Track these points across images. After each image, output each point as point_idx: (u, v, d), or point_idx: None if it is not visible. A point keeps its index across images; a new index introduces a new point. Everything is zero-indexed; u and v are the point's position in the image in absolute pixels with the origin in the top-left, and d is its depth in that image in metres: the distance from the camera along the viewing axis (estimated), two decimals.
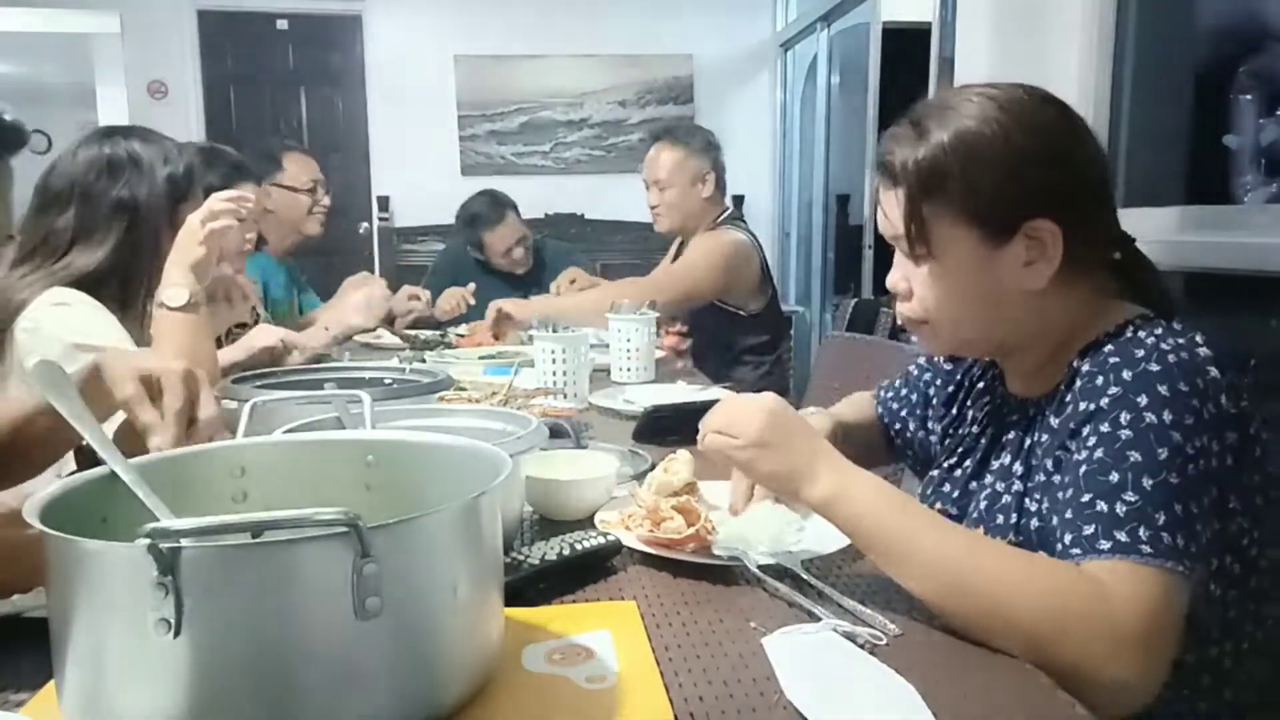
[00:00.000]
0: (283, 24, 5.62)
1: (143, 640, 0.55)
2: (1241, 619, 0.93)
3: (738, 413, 0.96)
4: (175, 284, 1.43)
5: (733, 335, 2.83)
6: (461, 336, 2.75)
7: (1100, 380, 0.90)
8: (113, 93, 5.35)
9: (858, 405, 1.35)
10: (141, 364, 0.91)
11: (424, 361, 2.22)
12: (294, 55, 5.67)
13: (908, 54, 3.48)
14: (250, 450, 0.83)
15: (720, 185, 2.84)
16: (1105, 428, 0.87)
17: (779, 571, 0.93)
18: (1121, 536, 0.82)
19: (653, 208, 2.87)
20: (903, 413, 1.28)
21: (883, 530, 0.87)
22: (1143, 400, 0.86)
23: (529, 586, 0.88)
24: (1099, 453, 0.86)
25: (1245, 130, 1.99)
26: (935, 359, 1.23)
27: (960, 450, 1.13)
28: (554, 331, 1.85)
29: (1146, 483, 0.83)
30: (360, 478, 0.83)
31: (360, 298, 2.48)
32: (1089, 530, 0.83)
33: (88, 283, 1.53)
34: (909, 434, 1.27)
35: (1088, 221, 0.97)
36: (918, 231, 0.96)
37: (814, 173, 5.27)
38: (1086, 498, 0.85)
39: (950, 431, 1.17)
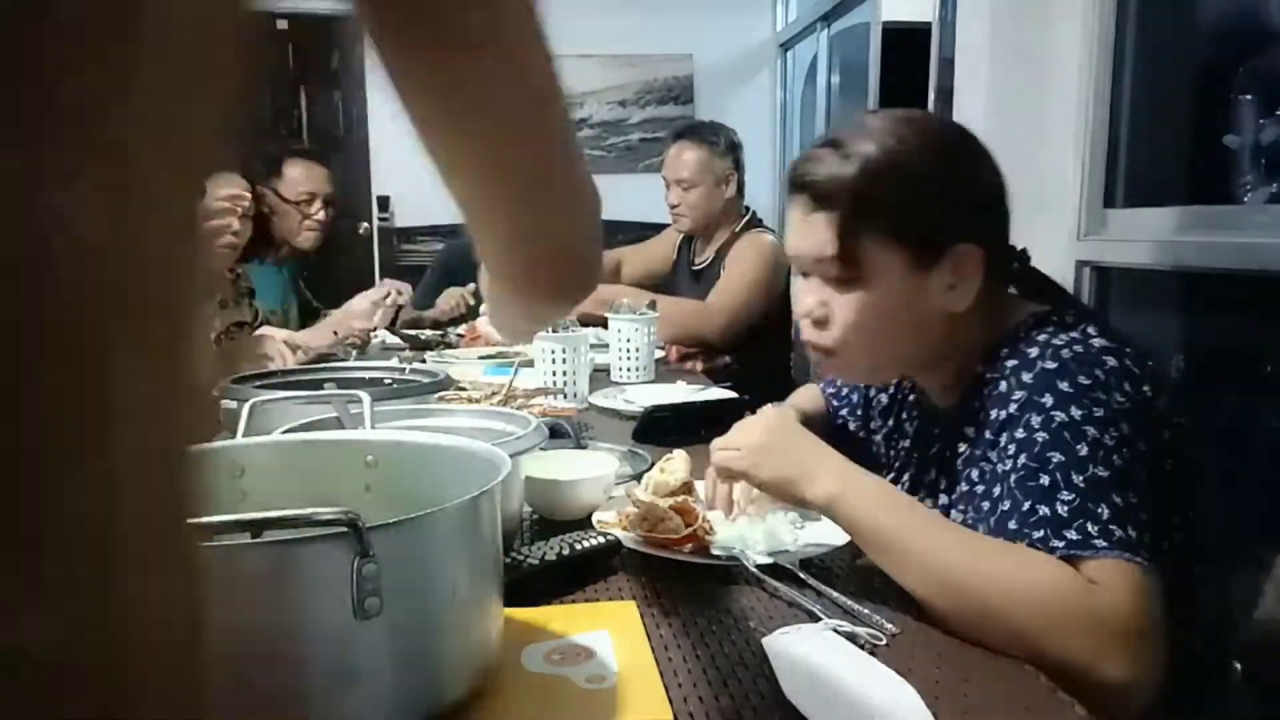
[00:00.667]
0: (283, 24, 5.62)
1: None
2: (1180, 590, 0.94)
3: (742, 428, 1.00)
4: None
5: (745, 338, 2.80)
6: (461, 336, 2.75)
7: (1004, 386, 0.92)
8: None
9: (810, 396, 1.37)
10: None
11: (424, 361, 2.22)
12: (294, 55, 5.67)
13: (908, 54, 3.48)
14: (250, 450, 0.83)
15: (741, 188, 2.80)
16: (1020, 433, 0.88)
17: (778, 571, 0.93)
18: (1071, 534, 0.82)
19: (673, 207, 2.80)
20: (843, 411, 1.30)
21: (882, 529, 0.88)
22: (1048, 400, 0.88)
23: (528, 586, 0.88)
24: (1022, 459, 0.87)
25: (1245, 130, 1.99)
26: None
27: (898, 465, 1.15)
28: (554, 331, 1.85)
29: (1077, 479, 0.84)
30: (360, 478, 0.83)
31: (366, 303, 2.49)
32: (1039, 534, 0.83)
33: None
34: (849, 431, 1.29)
35: (1001, 241, 1.00)
36: (849, 254, 0.95)
37: None
38: (1026, 505, 0.85)
39: (891, 442, 1.19)
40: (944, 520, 0.91)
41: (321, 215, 2.95)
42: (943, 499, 1.02)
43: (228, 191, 2.13)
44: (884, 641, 0.80)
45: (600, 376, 2.03)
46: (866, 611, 0.84)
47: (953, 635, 0.81)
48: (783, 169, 5.63)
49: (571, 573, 0.92)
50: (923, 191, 0.95)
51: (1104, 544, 0.81)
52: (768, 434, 0.96)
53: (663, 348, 2.49)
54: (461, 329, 2.84)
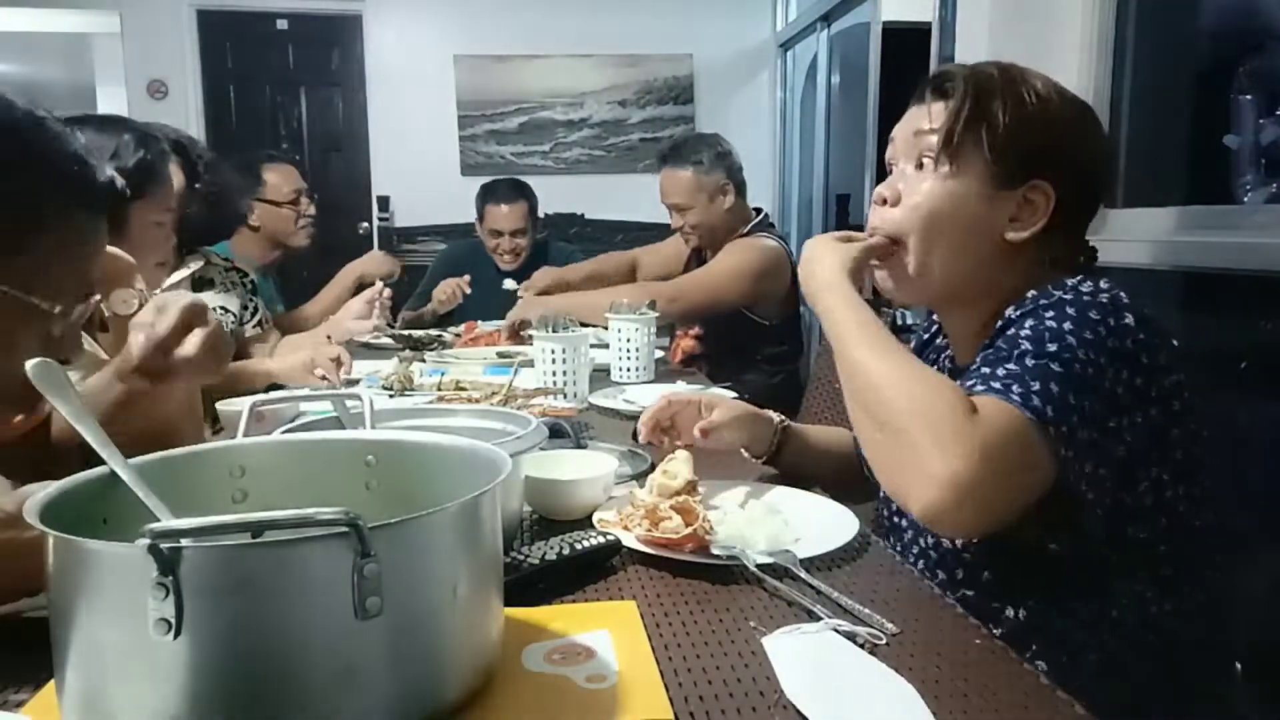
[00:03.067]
0: (283, 24, 5.62)
1: (143, 640, 0.55)
2: (1178, 579, 0.97)
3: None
4: (125, 290, 1.39)
5: (752, 343, 2.80)
6: (457, 336, 2.75)
7: (1019, 313, 0.97)
8: (113, 92, 5.35)
9: (834, 434, 1.40)
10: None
11: (423, 361, 2.23)
12: (294, 55, 5.67)
13: (908, 54, 3.48)
14: (250, 450, 0.83)
15: (741, 191, 2.79)
16: (1010, 332, 0.95)
17: (778, 571, 0.93)
18: (995, 385, 0.89)
19: (678, 229, 2.83)
20: None
21: (839, 337, 1.02)
22: (1049, 314, 0.94)
23: (529, 586, 0.88)
24: (1000, 347, 0.94)
25: (1245, 130, 1.99)
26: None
27: None
28: (554, 331, 1.85)
29: (1029, 361, 0.90)
30: (360, 478, 0.83)
31: (361, 303, 2.49)
32: (969, 382, 0.92)
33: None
34: None
35: (1077, 211, 1.05)
36: (951, 138, 1.02)
37: (814, 173, 5.26)
38: (976, 368, 0.93)
39: None
40: (889, 341, 0.99)
41: (312, 210, 2.97)
42: None
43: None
44: (884, 641, 0.80)
45: (600, 376, 2.03)
46: (867, 611, 0.84)
47: (952, 634, 0.81)
48: (783, 169, 5.64)
49: (571, 573, 0.93)
50: (1032, 123, 1.01)
51: (1017, 398, 0.87)
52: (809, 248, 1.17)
53: (664, 348, 2.49)
54: (459, 328, 2.84)
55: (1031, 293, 0.99)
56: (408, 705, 0.62)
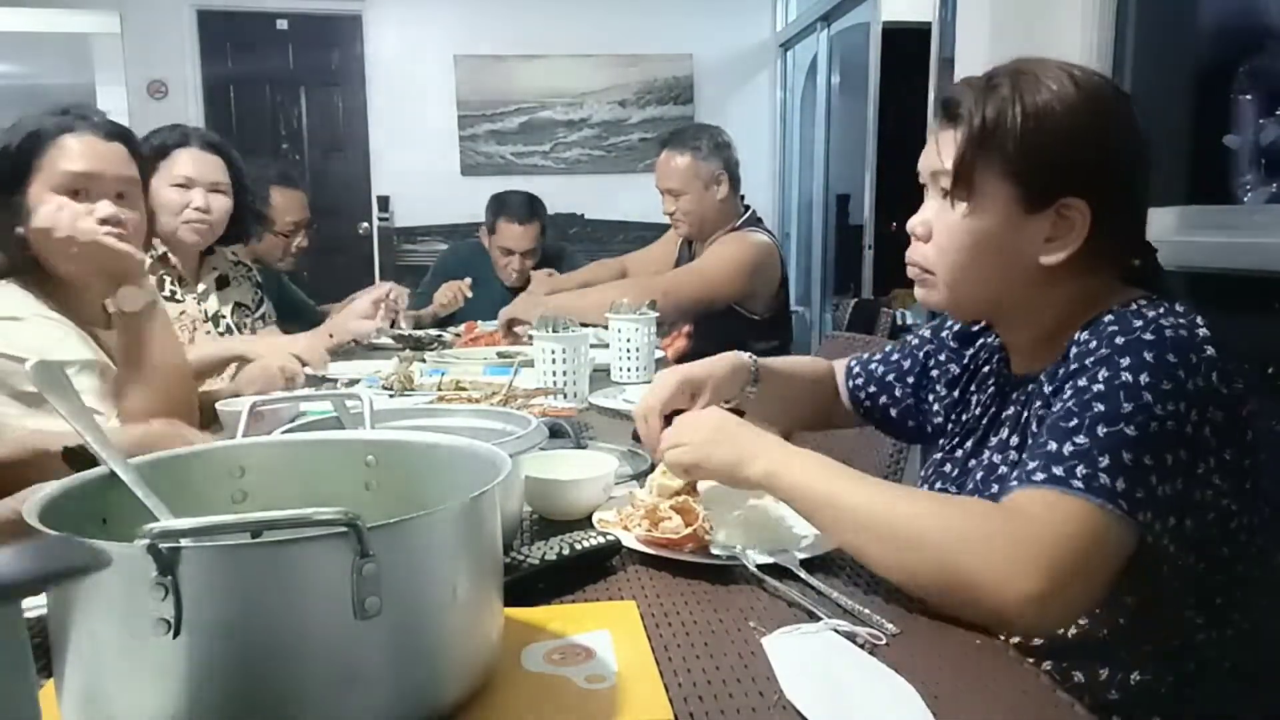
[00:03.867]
0: (283, 24, 5.62)
1: (142, 640, 0.55)
2: (1228, 607, 0.94)
3: (687, 425, 1.06)
4: (128, 287, 1.39)
5: (741, 339, 2.80)
6: (458, 335, 2.75)
7: (1094, 344, 0.92)
8: (113, 92, 5.35)
9: (797, 362, 1.38)
10: None
11: (423, 361, 2.23)
12: (294, 55, 5.67)
13: (908, 54, 3.49)
14: (250, 450, 0.83)
15: (735, 184, 2.80)
16: (1082, 382, 0.90)
17: (778, 571, 0.93)
18: (1058, 471, 0.84)
19: (669, 214, 2.84)
20: (889, 377, 1.29)
21: (815, 495, 0.92)
22: (1125, 361, 0.88)
23: (528, 586, 0.88)
24: (1071, 403, 0.89)
25: (1245, 130, 2.00)
26: (945, 335, 1.23)
27: (961, 433, 1.14)
28: (554, 331, 1.85)
29: (1100, 430, 0.85)
30: (360, 478, 0.83)
31: (366, 302, 2.49)
32: (1031, 465, 0.86)
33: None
34: (894, 397, 1.28)
35: (1119, 218, 0.99)
36: (965, 172, 0.98)
37: (814, 173, 5.27)
38: (1043, 439, 0.88)
39: (953, 415, 1.19)
40: (872, 479, 0.94)
41: (304, 243, 2.96)
42: (1013, 455, 1.01)
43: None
44: (884, 641, 0.79)
45: (600, 376, 2.03)
46: (866, 611, 0.83)
47: (952, 635, 0.81)
48: (783, 169, 5.64)
49: (571, 573, 0.92)
50: (1050, 137, 0.95)
51: (1080, 486, 0.83)
52: (711, 428, 1.03)
53: (663, 348, 2.49)
54: (459, 328, 2.84)
55: (1109, 317, 0.93)
56: (407, 705, 0.62)
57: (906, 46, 3.56)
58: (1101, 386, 0.87)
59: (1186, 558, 0.90)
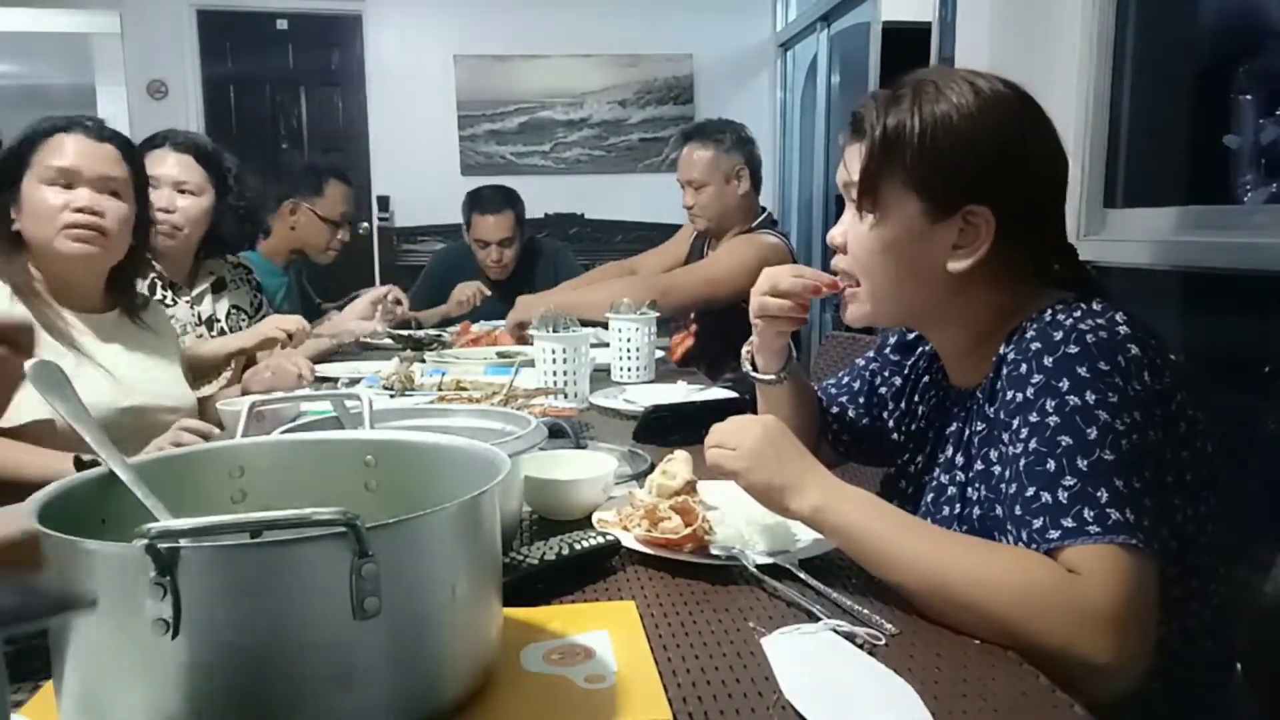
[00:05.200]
0: (283, 24, 5.62)
1: (141, 640, 0.55)
2: (1186, 598, 0.95)
3: (737, 427, 0.99)
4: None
5: (749, 338, 2.79)
6: (457, 335, 2.75)
7: (1024, 368, 0.92)
8: (113, 92, 5.35)
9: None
10: None
11: (423, 361, 2.23)
12: (294, 55, 5.67)
13: (908, 54, 3.48)
14: (249, 450, 0.83)
15: (756, 183, 2.80)
16: (1034, 417, 0.89)
17: (778, 571, 0.93)
18: (1068, 522, 0.83)
19: (688, 208, 2.83)
20: (842, 398, 1.30)
21: (865, 537, 0.89)
22: (1064, 384, 0.88)
23: (528, 586, 0.88)
24: (1033, 444, 0.88)
25: (1245, 130, 1.99)
26: (887, 351, 1.25)
27: (913, 445, 1.15)
28: (554, 331, 1.85)
29: (1081, 464, 0.85)
30: (359, 478, 0.83)
31: (365, 303, 2.50)
32: (1038, 524, 0.85)
33: None
34: (847, 420, 1.29)
35: (1028, 221, 0.99)
36: (869, 186, 0.99)
37: (814, 173, 5.26)
38: (1030, 491, 0.87)
39: (903, 427, 1.20)
40: (923, 523, 0.92)
41: (346, 236, 3.01)
42: (959, 476, 1.02)
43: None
44: (884, 641, 0.79)
45: (600, 376, 2.03)
46: (866, 612, 0.84)
47: (952, 635, 0.81)
48: (783, 169, 5.64)
49: (571, 573, 0.92)
50: (949, 146, 0.96)
51: (1097, 529, 0.82)
52: (763, 440, 0.96)
53: (664, 348, 2.49)
54: (457, 328, 2.85)
55: (1030, 329, 0.94)
56: (406, 705, 0.62)
57: (906, 46, 3.55)
58: (1057, 418, 0.87)
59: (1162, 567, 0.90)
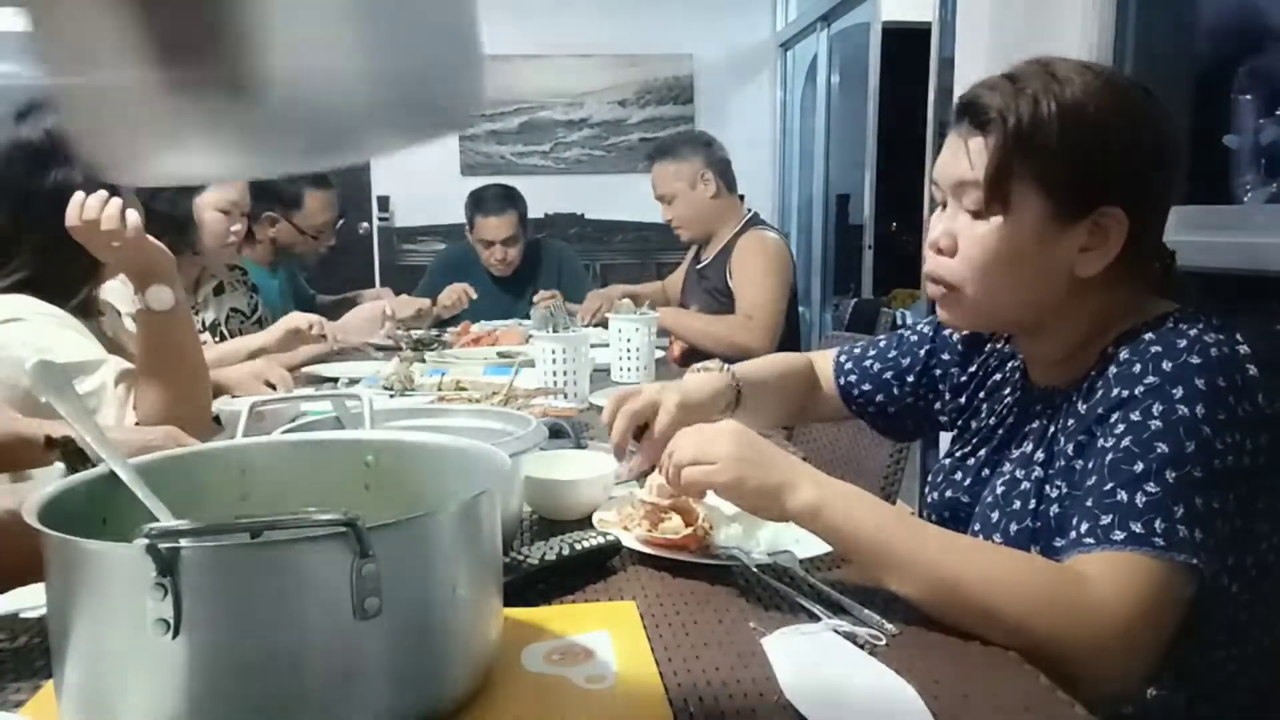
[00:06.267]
0: None
1: (141, 641, 0.55)
2: (1250, 624, 0.93)
3: (704, 439, 0.92)
4: (158, 285, 1.39)
5: None
6: (456, 334, 2.75)
7: (1138, 368, 0.89)
8: None
9: (773, 363, 1.34)
10: None
11: (423, 361, 2.23)
12: None
13: (908, 54, 3.48)
14: (250, 450, 0.83)
15: (727, 181, 2.83)
16: (1136, 416, 0.86)
17: (778, 571, 0.93)
18: (1137, 528, 0.81)
19: (668, 221, 2.90)
20: (886, 374, 1.25)
21: (863, 537, 0.86)
22: (1178, 392, 0.85)
23: (528, 586, 0.88)
24: (1126, 441, 0.86)
25: (1245, 130, 1.99)
26: (949, 334, 1.20)
27: (975, 441, 1.11)
28: (554, 332, 1.85)
29: (1170, 475, 0.83)
30: (360, 478, 0.83)
31: (364, 317, 2.50)
32: (1106, 520, 0.83)
33: (27, 287, 1.42)
34: (892, 395, 1.25)
35: (1154, 223, 0.97)
36: (999, 184, 0.92)
37: (814, 173, 5.26)
38: (1109, 486, 0.85)
39: (960, 421, 1.16)
40: (921, 523, 0.91)
41: (332, 241, 3.01)
42: (1037, 472, 0.98)
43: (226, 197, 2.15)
44: (884, 641, 0.79)
45: (600, 376, 2.03)
46: (867, 612, 0.83)
47: (953, 635, 0.81)
48: (783, 169, 5.64)
49: (571, 573, 0.92)
50: (1086, 146, 0.91)
51: (1162, 543, 0.80)
52: (741, 444, 0.90)
53: (663, 348, 2.49)
54: (457, 328, 2.85)
55: (1149, 335, 0.91)
56: (406, 705, 0.62)
57: (906, 46, 3.56)
58: (1159, 423, 0.85)
59: (1232, 586, 0.89)
